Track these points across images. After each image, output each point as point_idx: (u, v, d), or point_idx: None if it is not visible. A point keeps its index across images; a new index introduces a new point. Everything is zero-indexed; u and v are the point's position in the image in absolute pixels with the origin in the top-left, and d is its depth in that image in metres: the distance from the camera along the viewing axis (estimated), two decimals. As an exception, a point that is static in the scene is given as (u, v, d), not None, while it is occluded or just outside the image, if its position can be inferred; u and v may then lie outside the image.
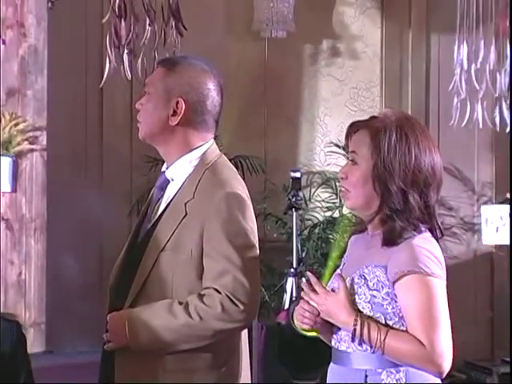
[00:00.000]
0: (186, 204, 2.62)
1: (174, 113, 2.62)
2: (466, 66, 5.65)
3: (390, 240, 2.39)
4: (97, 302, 4.68)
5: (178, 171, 2.69)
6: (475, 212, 6.39)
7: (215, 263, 2.59)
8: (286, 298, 4.98)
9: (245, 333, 2.72)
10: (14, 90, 5.08)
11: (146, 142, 2.73)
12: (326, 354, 2.73)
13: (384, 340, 2.33)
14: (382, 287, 2.41)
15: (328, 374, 2.54)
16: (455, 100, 5.66)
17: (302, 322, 2.43)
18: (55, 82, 5.29)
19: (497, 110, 5.67)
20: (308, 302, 2.40)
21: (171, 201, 2.67)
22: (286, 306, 5.00)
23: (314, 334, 2.50)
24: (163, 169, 2.71)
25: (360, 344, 2.43)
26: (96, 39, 5.74)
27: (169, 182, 2.68)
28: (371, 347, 2.38)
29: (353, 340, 2.38)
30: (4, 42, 4.86)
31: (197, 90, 2.65)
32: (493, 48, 5.66)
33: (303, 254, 5.60)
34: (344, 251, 2.59)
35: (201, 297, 2.57)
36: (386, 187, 2.38)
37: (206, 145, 2.68)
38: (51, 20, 5.04)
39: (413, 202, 2.39)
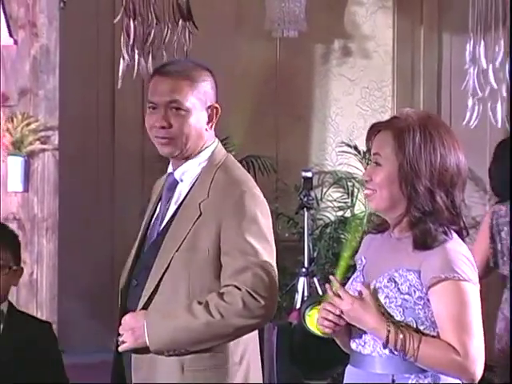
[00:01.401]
0: (200, 204, 2.63)
1: (210, 119, 2.73)
2: (483, 65, 5.53)
3: (424, 244, 2.36)
4: (108, 302, 4.69)
5: (187, 172, 2.72)
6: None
7: (234, 261, 2.61)
8: (298, 297, 4.98)
9: (255, 333, 2.72)
10: (26, 89, 5.11)
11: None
12: (337, 354, 2.70)
13: (418, 347, 2.30)
14: (415, 291, 2.37)
15: (346, 377, 2.50)
16: (469, 100, 5.53)
17: (322, 325, 2.40)
18: (67, 82, 5.28)
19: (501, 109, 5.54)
20: (332, 305, 2.38)
21: (183, 201, 2.68)
22: (298, 306, 4.97)
23: (326, 334, 2.46)
24: (169, 170, 2.75)
25: (390, 350, 2.40)
26: (107, 39, 5.80)
27: (177, 182, 2.70)
28: (404, 354, 2.33)
29: (385, 347, 2.34)
30: (16, 42, 4.90)
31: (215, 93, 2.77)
32: (503, 48, 5.59)
33: (314, 254, 5.60)
34: (356, 251, 2.56)
35: (221, 295, 2.58)
36: (412, 188, 2.36)
37: (213, 145, 2.73)
38: (63, 20, 5.07)
39: (440, 202, 2.36)
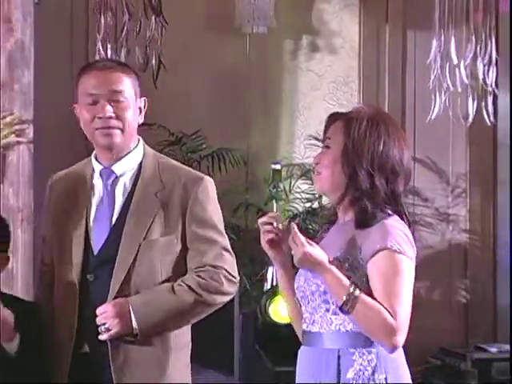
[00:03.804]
0: (156, 193, 2.73)
1: (140, 111, 2.80)
2: (453, 61, 5.55)
3: (363, 221, 2.45)
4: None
5: (128, 165, 2.79)
6: (450, 203, 6.39)
7: (204, 244, 2.73)
8: (267, 286, 5.03)
9: None
10: (2, 84, 5.01)
11: None
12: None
13: (358, 295, 2.35)
14: (357, 268, 2.46)
15: (299, 357, 2.58)
16: (432, 95, 5.64)
17: (267, 232, 2.48)
18: (42, 77, 5.17)
19: (469, 104, 5.58)
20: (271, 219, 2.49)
21: (132, 194, 2.76)
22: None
23: (287, 321, 2.51)
24: (97, 166, 2.79)
25: (336, 325, 2.43)
26: (81, 34, 5.79)
27: (116, 177, 2.76)
28: (343, 307, 2.35)
29: (342, 308, 2.36)
30: (-9, 37, 4.87)
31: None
32: (470, 44, 5.59)
33: (283, 244, 5.41)
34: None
35: (198, 274, 2.69)
36: (353, 169, 2.45)
37: (141, 139, 2.83)
38: (37, 15, 5.08)
39: (379, 185, 2.45)
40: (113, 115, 2.73)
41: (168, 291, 2.71)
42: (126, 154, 2.81)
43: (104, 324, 2.65)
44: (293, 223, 2.46)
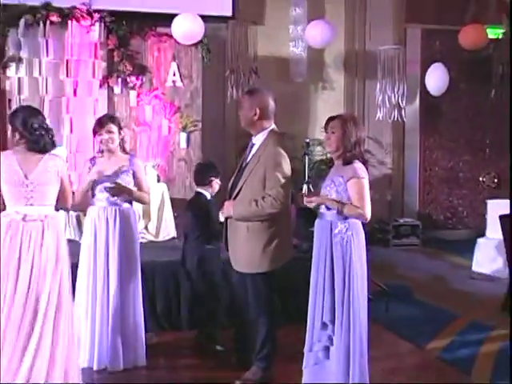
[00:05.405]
0: (259, 156, 4.05)
1: (255, 114, 4.04)
2: (389, 95, 8.57)
3: (347, 163, 3.68)
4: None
5: (258, 140, 4.12)
6: (384, 157, 9.76)
7: (270, 183, 3.95)
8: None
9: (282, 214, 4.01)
10: (187, 104, 8.11)
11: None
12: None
13: (345, 207, 3.68)
14: (342, 184, 3.73)
15: (315, 224, 3.84)
16: (377, 108, 8.89)
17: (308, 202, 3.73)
18: (205, 100, 8.12)
19: (392, 112, 8.81)
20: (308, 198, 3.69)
21: (254, 153, 4.10)
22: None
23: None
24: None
25: (329, 209, 3.70)
26: (221, 79, 8.45)
27: (253, 144, 4.14)
28: (340, 211, 3.68)
29: (338, 212, 3.67)
30: None
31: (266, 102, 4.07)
32: (400, 85, 8.83)
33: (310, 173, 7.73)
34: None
35: (262, 198, 3.96)
36: (348, 141, 3.70)
37: (270, 127, 4.07)
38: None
39: (357, 148, 3.71)
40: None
41: (249, 203, 4.00)
42: (257, 134, 4.16)
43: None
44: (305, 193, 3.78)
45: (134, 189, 4.75)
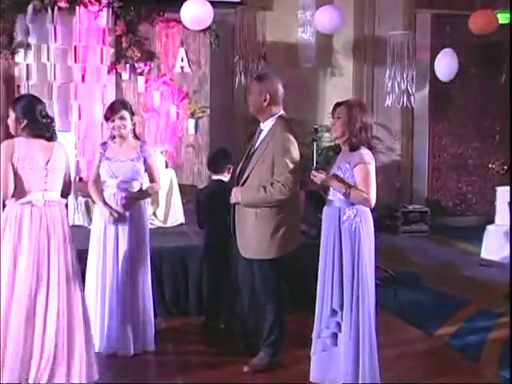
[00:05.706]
0: (268, 142, 4.06)
1: (265, 100, 4.05)
2: (398, 80, 8.58)
3: (353, 149, 3.69)
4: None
5: (266, 126, 4.14)
6: (393, 143, 9.80)
7: (279, 169, 3.97)
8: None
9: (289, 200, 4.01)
10: (196, 90, 8.19)
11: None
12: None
13: (351, 188, 3.65)
14: (348, 171, 3.72)
15: (324, 211, 3.86)
16: (387, 94, 8.94)
17: (315, 178, 3.68)
18: (214, 86, 8.16)
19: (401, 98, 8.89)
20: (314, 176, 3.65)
21: (263, 139, 4.10)
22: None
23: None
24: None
25: (342, 194, 3.66)
26: (230, 65, 8.51)
27: (261, 130, 4.16)
28: (347, 194, 3.64)
29: (343, 194, 3.62)
30: None
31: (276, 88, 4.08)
32: (410, 72, 8.91)
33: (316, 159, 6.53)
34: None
35: (271, 184, 3.97)
36: (353, 126, 3.69)
37: (279, 113, 4.09)
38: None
39: (363, 134, 3.69)
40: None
41: (257, 189, 4.02)
42: (266, 119, 4.13)
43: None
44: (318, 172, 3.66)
45: (145, 174, 4.77)
